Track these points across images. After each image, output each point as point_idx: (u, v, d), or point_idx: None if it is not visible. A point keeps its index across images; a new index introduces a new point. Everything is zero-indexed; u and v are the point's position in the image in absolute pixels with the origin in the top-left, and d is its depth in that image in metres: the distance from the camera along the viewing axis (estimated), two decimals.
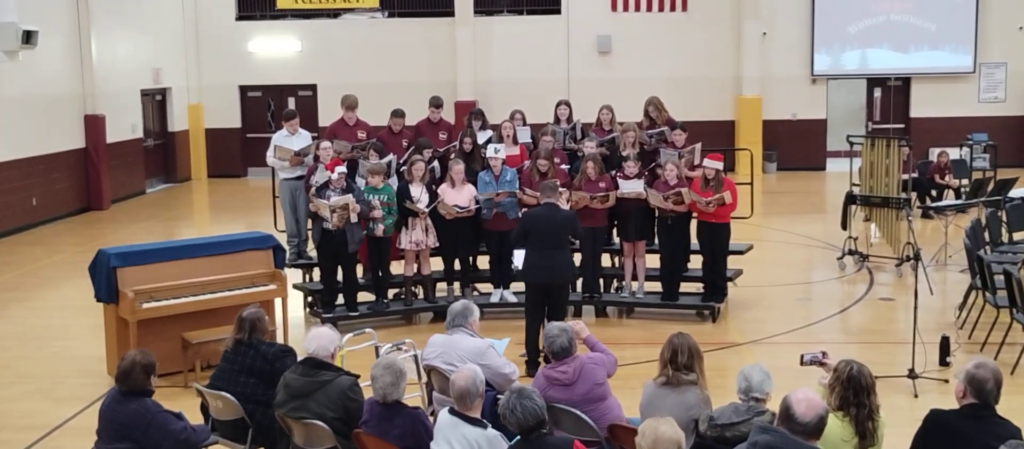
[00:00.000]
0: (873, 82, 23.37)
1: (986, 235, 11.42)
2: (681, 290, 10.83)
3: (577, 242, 10.78)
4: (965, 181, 17.21)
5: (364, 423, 5.55)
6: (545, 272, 8.91)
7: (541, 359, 8.70)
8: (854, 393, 4.99)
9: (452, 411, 5.29)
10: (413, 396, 6.79)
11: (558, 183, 9.43)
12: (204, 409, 6.48)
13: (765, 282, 12.02)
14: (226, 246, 9.38)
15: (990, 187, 14.54)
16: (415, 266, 10.66)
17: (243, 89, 23.78)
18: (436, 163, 10.96)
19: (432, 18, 23.05)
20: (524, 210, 9.89)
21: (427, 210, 10.28)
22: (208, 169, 23.79)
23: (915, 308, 8.45)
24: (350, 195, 9.89)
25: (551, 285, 8.93)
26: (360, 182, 10.31)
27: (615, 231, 11.12)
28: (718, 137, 21.12)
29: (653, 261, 10.98)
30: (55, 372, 9.39)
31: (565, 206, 9.43)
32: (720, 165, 10.36)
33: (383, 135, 11.59)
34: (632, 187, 10.27)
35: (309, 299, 11.05)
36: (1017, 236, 12.25)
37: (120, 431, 5.65)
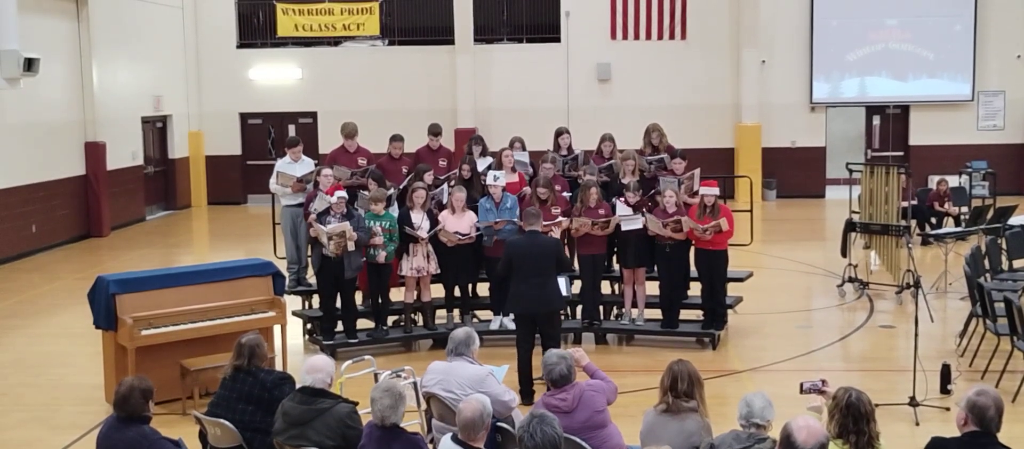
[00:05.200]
0: (872, 110, 23.43)
1: (986, 262, 11.41)
2: (681, 317, 10.81)
3: (576, 269, 10.80)
4: (964, 208, 17.21)
5: (362, 448, 5.52)
6: (532, 302, 8.81)
7: (532, 389, 8.69)
8: (854, 421, 4.98)
9: (455, 439, 5.26)
10: (412, 423, 6.77)
11: (539, 211, 9.38)
12: (202, 437, 6.44)
13: (765, 309, 12.00)
14: (225, 273, 9.38)
15: (989, 214, 14.55)
16: (415, 293, 10.64)
17: (243, 116, 23.83)
18: (443, 187, 10.96)
19: (432, 46, 23.14)
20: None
21: (427, 236, 10.28)
22: (208, 196, 23.80)
23: (915, 336, 8.43)
24: (347, 223, 9.89)
25: (539, 314, 8.87)
26: (359, 210, 10.31)
27: (615, 258, 11.11)
28: (717, 165, 21.13)
29: (653, 288, 10.97)
30: (53, 400, 9.36)
31: (556, 232, 9.39)
32: (716, 191, 10.38)
33: (383, 162, 11.62)
34: (632, 224, 10.28)
35: (308, 326, 11.04)
36: (1017, 263, 12.24)
37: None
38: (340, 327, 10.55)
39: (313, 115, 23.42)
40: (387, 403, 5.40)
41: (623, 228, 10.35)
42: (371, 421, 5.52)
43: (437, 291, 10.92)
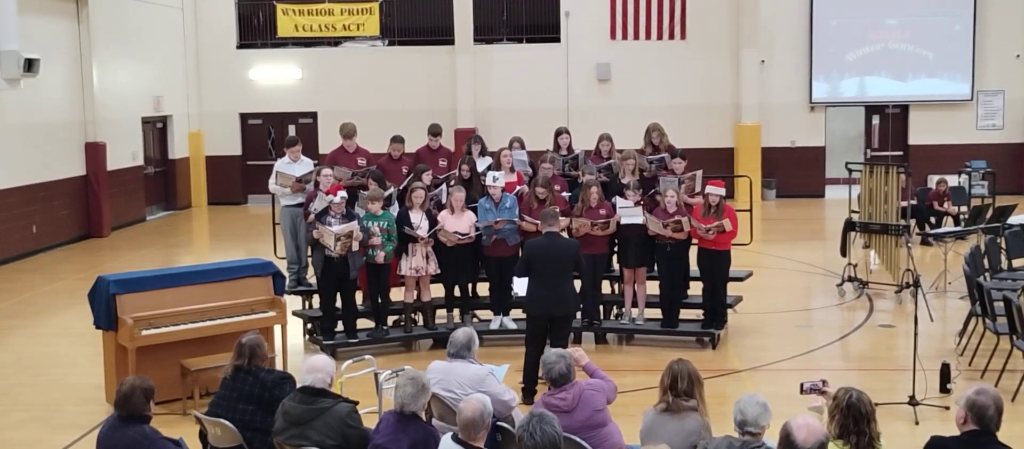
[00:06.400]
0: (871, 109, 23.43)
1: (985, 262, 11.42)
2: (681, 317, 10.81)
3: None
4: (964, 208, 17.22)
5: (376, 433, 5.54)
6: (549, 303, 8.83)
7: (536, 388, 8.70)
8: (854, 421, 4.98)
9: (455, 439, 5.27)
10: None
11: (558, 211, 9.41)
12: (203, 437, 6.45)
13: (765, 309, 12.01)
14: (226, 273, 9.39)
15: (989, 214, 14.55)
16: (415, 293, 10.65)
17: (243, 116, 23.83)
18: (443, 187, 10.97)
19: (432, 46, 23.14)
20: (527, 239, 9.85)
21: (428, 236, 10.27)
22: (208, 196, 23.80)
23: (915, 335, 8.44)
24: (354, 222, 9.90)
25: (555, 316, 8.90)
26: (359, 211, 10.31)
27: (615, 258, 11.12)
28: (717, 164, 21.14)
29: (653, 288, 10.97)
30: (54, 399, 9.36)
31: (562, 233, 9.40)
32: (723, 192, 10.39)
33: (383, 162, 11.62)
34: (631, 217, 10.29)
35: (308, 326, 11.04)
36: (1016, 263, 12.25)
37: None
38: (340, 327, 10.56)
39: (313, 115, 23.42)
40: (409, 391, 5.44)
41: (623, 221, 10.35)
42: (390, 409, 5.54)
43: (437, 291, 10.92)
